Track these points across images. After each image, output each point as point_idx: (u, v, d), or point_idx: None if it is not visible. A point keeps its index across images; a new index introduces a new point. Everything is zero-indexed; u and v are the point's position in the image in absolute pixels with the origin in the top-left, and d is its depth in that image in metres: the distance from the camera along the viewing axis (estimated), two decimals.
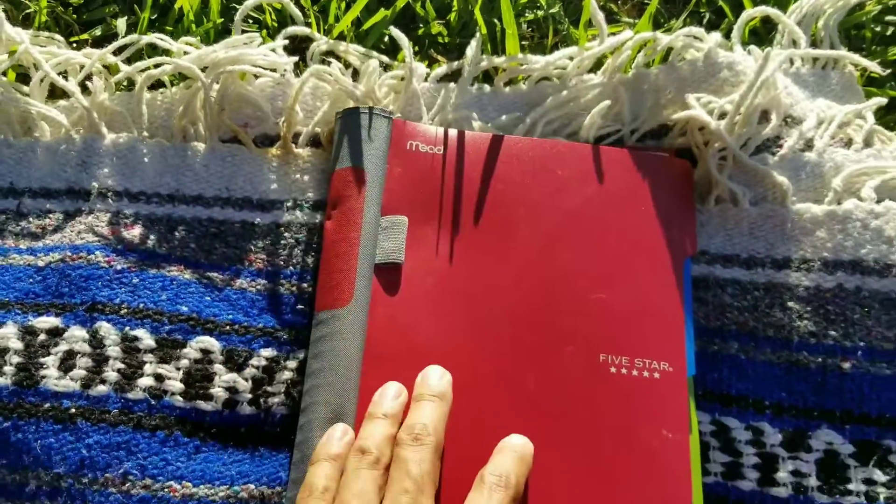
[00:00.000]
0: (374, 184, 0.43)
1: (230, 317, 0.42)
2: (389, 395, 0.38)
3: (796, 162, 0.44)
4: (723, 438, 0.40)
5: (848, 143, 0.45)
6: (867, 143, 0.45)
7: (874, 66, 0.47)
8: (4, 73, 0.47)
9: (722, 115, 0.44)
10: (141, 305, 0.41)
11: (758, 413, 0.40)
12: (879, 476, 0.39)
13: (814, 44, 0.50)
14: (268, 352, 0.41)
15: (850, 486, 0.39)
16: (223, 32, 0.51)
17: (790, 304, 0.41)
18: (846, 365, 0.40)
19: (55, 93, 0.48)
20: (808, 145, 0.44)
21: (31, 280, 0.42)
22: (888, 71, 0.49)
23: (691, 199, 0.44)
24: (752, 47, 0.47)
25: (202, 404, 0.40)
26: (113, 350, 0.40)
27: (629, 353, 0.40)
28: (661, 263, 0.42)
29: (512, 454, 0.36)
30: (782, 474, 0.39)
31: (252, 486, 0.39)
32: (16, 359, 0.40)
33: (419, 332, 0.40)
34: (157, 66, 0.46)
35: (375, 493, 0.33)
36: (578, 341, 0.40)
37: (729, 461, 0.40)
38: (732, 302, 0.42)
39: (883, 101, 0.46)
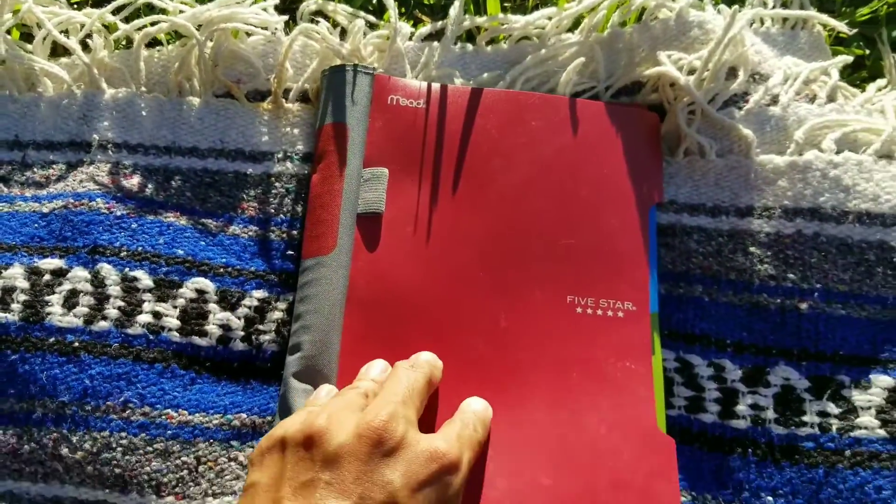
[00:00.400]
0: (357, 138, 0.45)
1: (224, 260, 0.44)
2: (377, 368, 0.39)
3: (761, 116, 0.46)
4: (686, 374, 0.43)
5: (812, 99, 0.47)
6: (831, 98, 0.47)
7: (841, 26, 0.49)
8: (9, 32, 0.49)
9: (692, 72, 0.46)
10: (139, 248, 0.44)
11: (720, 351, 0.43)
12: (832, 409, 0.41)
13: (784, 4, 0.52)
14: (259, 293, 0.44)
15: (805, 419, 0.41)
16: None
17: (752, 249, 0.44)
18: (803, 306, 0.43)
19: (57, 50, 0.50)
20: (774, 100, 0.46)
21: (36, 225, 0.45)
22: (855, 31, 0.50)
23: (659, 149, 0.46)
24: (723, 6, 0.49)
25: (197, 340, 0.42)
26: (113, 289, 0.43)
27: (595, 294, 0.42)
28: (627, 211, 0.44)
29: (474, 417, 0.38)
30: (742, 407, 0.42)
31: (244, 416, 0.41)
32: (22, 297, 0.42)
33: (398, 277, 0.42)
34: (153, 24, 0.48)
35: (362, 409, 0.35)
36: (547, 284, 0.43)
37: (692, 395, 0.42)
38: (698, 248, 0.44)
39: (848, 59, 0.48)
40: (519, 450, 0.39)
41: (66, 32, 0.50)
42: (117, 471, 0.40)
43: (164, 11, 0.50)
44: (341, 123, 0.45)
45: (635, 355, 0.41)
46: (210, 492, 0.40)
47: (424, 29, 0.50)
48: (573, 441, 0.40)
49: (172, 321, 0.42)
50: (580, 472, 0.39)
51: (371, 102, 0.46)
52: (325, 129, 0.45)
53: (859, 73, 0.51)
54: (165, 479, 0.40)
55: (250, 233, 0.45)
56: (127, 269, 0.43)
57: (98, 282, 0.43)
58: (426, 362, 0.39)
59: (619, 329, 0.42)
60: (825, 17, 0.50)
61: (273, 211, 0.46)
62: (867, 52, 0.52)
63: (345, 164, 0.44)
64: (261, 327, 0.43)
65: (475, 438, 0.36)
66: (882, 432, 0.41)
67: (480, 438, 0.37)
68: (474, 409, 0.38)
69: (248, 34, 0.49)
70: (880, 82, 0.49)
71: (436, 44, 0.49)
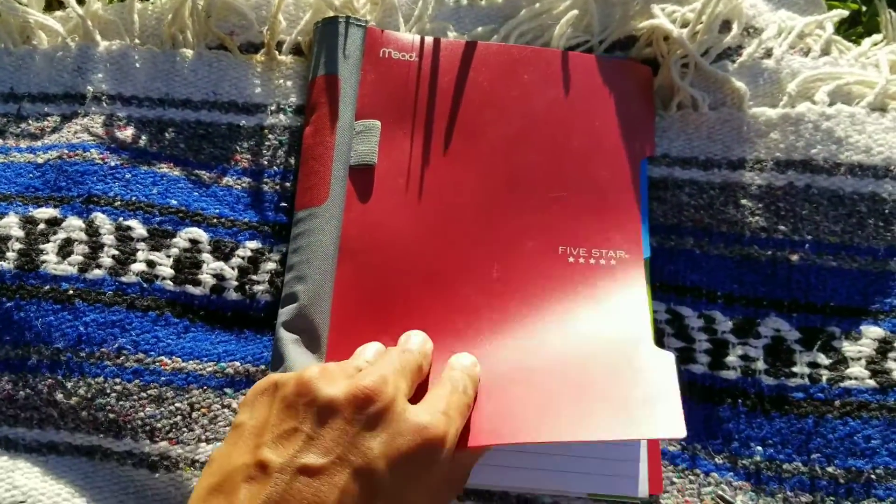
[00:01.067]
0: (349, 90, 0.45)
1: (217, 211, 0.45)
2: (371, 350, 0.38)
3: (755, 69, 0.46)
4: (677, 325, 0.43)
5: (806, 53, 0.47)
6: (825, 52, 0.47)
7: None
8: None
9: (685, 25, 0.46)
10: (133, 198, 0.44)
11: (710, 302, 0.43)
12: (822, 359, 0.42)
13: None
14: (253, 244, 0.44)
15: (795, 369, 0.42)
16: None
17: (743, 201, 0.44)
18: (794, 257, 0.43)
19: (52, 3, 0.51)
20: (768, 53, 0.46)
21: (31, 175, 0.45)
22: None
23: (651, 102, 0.46)
24: None
25: (191, 288, 0.43)
26: (108, 238, 0.43)
27: (587, 244, 0.43)
28: (619, 163, 0.44)
29: (463, 378, 0.37)
30: (732, 358, 0.42)
31: (237, 364, 0.42)
32: (17, 245, 0.43)
33: (390, 228, 0.43)
34: None
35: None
36: (539, 235, 0.43)
37: (682, 346, 0.43)
38: (689, 201, 0.44)
39: (844, 13, 0.48)
40: (509, 390, 0.39)
41: None
42: (111, 416, 0.40)
43: None
44: (333, 75, 0.45)
45: (629, 296, 0.41)
46: (203, 437, 0.40)
47: None
48: (565, 369, 0.39)
49: (166, 270, 0.43)
50: (572, 390, 0.38)
51: (363, 55, 0.46)
52: (318, 81, 0.45)
53: (856, 29, 0.51)
54: (159, 425, 0.40)
55: (243, 184, 0.46)
56: (121, 219, 0.43)
57: (92, 231, 0.43)
58: (419, 345, 0.38)
59: (611, 276, 0.42)
60: None
61: (266, 163, 0.46)
62: (863, 7, 0.51)
63: (337, 117, 0.44)
64: (254, 277, 0.43)
65: (464, 402, 0.36)
66: (871, 382, 0.41)
67: (469, 401, 0.37)
68: (463, 368, 0.38)
69: None
70: (875, 37, 0.48)
71: None
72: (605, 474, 0.39)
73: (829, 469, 0.40)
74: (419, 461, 0.32)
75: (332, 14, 0.47)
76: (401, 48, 0.46)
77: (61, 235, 0.43)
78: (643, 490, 0.39)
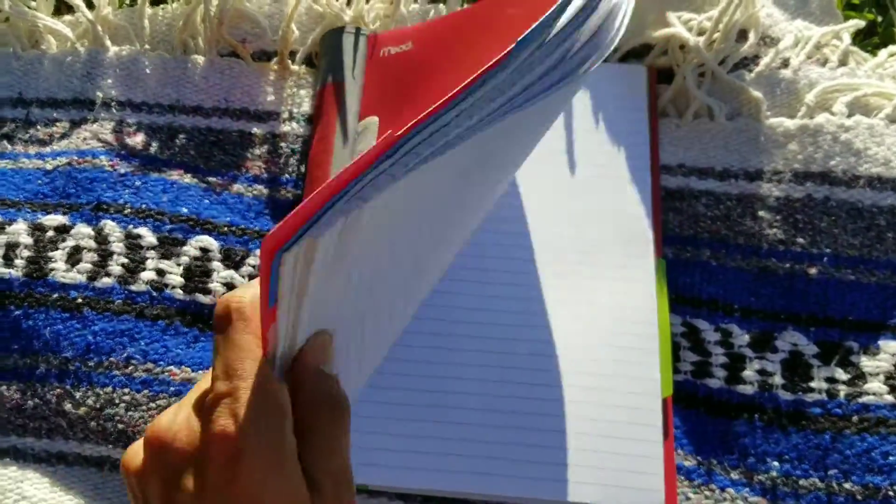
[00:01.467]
0: (352, 97, 0.45)
1: (228, 219, 0.44)
2: None
3: (772, 79, 0.45)
4: (693, 339, 0.42)
5: (824, 63, 0.46)
6: (842, 62, 0.46)
7: None
8: None
9: (701, 33, 0.46)
10: (143, 206, 0.43)
11: (727, 315, 0.43)
12: (841, 374, 0.41)
13: None
14: None
15: (813, 384, 0.41)
16: None
17: (761, 213, 0.43)
18: (812, 271, 0.42)
19: (61, 8, 0.50)
20: (785, 63, 0.46)
21: (39, 182, 0.44)
22: None
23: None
24: None
25: (201, 297, 0.42)
26: (117, 246, 0.42)
27: None
28: None
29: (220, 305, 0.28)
30: (749, 373, 0.41)
31: None
32: (26, 253, 0.42)
33: None
34: None
35: None
36: None
37: (698, 360, 0.42)
38: (706, 212, 0.44)
39: (860, 23, 0.48)
40: None
41: None
42: (120, 426, 0.39)
43: None
44: (336, 84, 0.45)
45: None
46: None
47: None
48: None
49: (176, 279, 0.42)
50: None
51: (367, 61, 0.46)
52: (322, 90, 0.45)
53: (871, 40, 0.51)
54: None
55: (255, 192, 0.45)
56: (130, 227, 0.43)
57: (101, 238, 0.42)
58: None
59: None
60: None
61: (278, 170, 0.46)
62: (879, 18, 0.51)
63: (339, 124, 0.44)
64: None
65: (228, 351, 0.27)
66: (890, 398, 0.40)
67: (232, 332, 0.27)
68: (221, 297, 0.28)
69: None
70: (892, 48, 0.48)
71: (441, 6, 0.49)
72: (621, 486, 0.39)
73: (847, 485, 0.39)
74: (218, 473, 0.25)
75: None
76: (398, 40, 0.46)
77: (70, 243, 0.42)
78: (660, 502, 0.38)
